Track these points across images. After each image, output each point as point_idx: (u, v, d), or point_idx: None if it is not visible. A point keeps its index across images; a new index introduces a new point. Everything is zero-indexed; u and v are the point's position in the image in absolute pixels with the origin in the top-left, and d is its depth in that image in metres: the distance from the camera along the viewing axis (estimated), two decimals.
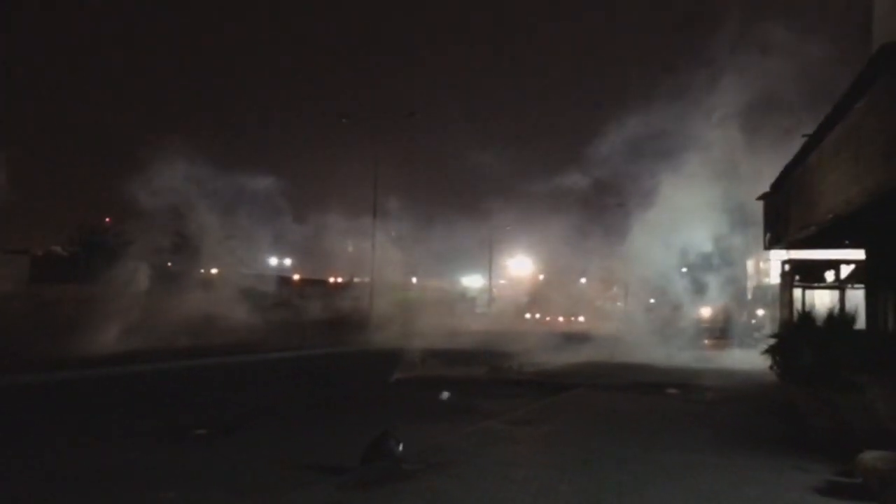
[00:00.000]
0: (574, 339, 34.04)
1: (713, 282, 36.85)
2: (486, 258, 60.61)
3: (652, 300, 53.33)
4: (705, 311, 44.51)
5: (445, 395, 16.09)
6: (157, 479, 8.49)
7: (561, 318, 54.79)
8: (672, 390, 17.36)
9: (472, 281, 64.79)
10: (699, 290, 37.71)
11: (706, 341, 35.92)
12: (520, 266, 64.27)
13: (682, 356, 27.42)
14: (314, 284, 51.15)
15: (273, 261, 50.46)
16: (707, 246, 35.68)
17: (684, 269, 40.97)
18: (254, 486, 8.20)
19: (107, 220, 39.89)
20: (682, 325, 37.07)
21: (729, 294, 38.63)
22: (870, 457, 8.69)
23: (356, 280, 50.16)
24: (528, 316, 61.61)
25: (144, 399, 16.22)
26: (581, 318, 54.43)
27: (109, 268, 34.91)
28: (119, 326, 28.24)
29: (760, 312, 38.57)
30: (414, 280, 51.55)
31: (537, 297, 60.60)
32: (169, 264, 35.91)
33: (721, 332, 37.46)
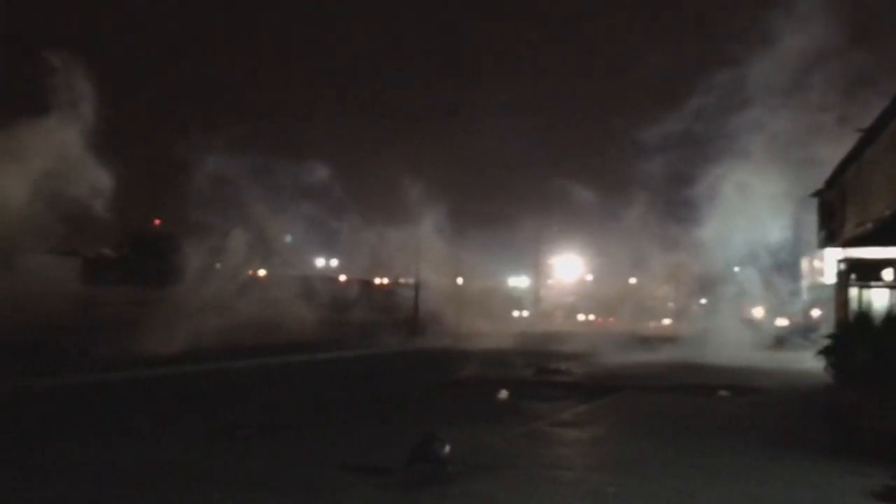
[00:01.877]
0: (647, 342, 33.34)
1: (769, 282, 36.15)
2: (532, 258, 60.28)
3: (703, 300, 52.58)
4: (758, 311, 43.76)
5: (504, 393, 16.07)
6: (203, 479, 8.55)
7: (611, 319, 54.03)
8: (723, 392, 17.05)
9: (519, 281, 64.50)
10: (756, 289, 37.08)
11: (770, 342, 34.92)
12: (568, 266, 63.82)
13: (737, 356, 26.84)
14: (361, 285, 51.35)
15: (320, 261, 50.76)
16: (766, 245, 34.93)
17: (737, 269, 40.35)
18: (299, 487, 8.20)
19: (156, 221, 40.63)
20: (743, 326, 36.50)
21: (785, 294, 37.85)
22: None
23: (401, 281, 50.26)
24: (581, 317, 61.18)
25: (195, 399, 16.42)
26: (666, 321, 53.17)
27: (159, 269, 35.50)
28: (171, 327, 28.63)
29: (816, 313, 37.67)
30: (460, 281, 51.49)
31: (590, 298, 60.11)
32: (218, 265, 36.36)
33: (799, 332, 36.10)
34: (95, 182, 29.09)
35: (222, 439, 11.00)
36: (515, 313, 57.54)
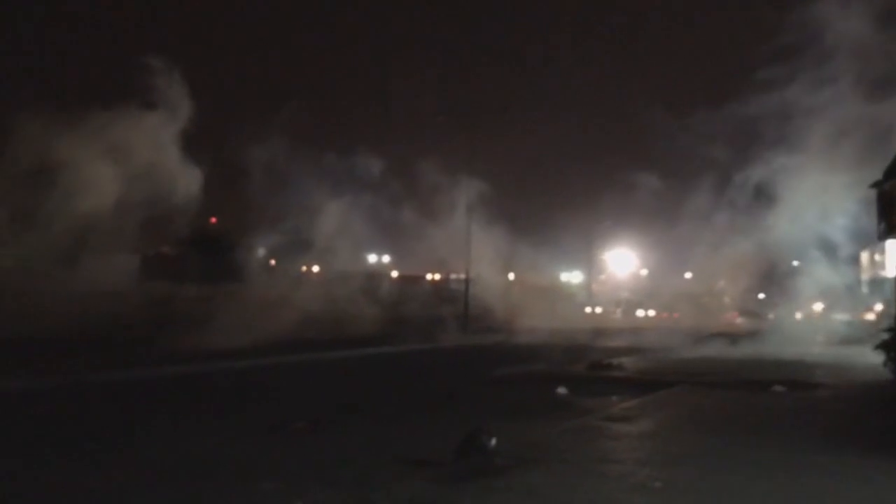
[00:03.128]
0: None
1: (829, 275, 35.43)
2: (585, 253, 59.92)
3: (761, 295, 51.56)
4: (817, 306, 42.88)
5: (555, 388, 16.06)
6: (256, 471, 8.75)
7: (676, 315, 53.13)
8: (778, 387, 16.74)
9: (572, 276, 64.14)
10: (815, 283, 36.41)
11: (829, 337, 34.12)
12: (621, 260, 63.31)
13: (794, 351, 26.31)
14: (414, 281, 51.67)
15: (372, 257, 51.15)
16: (826, 238, 34.23)
17: (795, 263, 39.63)
18: (350, 479, 8.36)
19: (212, 219, 41.36)
20: (802, 320, 35.88)
21: (845, 288, 37.03)
22: None
23: (453, 276, 50.37)
24: (641, 313, 60.51)
25: (251, 393, 16.77)
26: (739, 320, 51.87)
27: (216, 267, 36.27)
28: (230, 323, 29.21)
29: (878, 307, 36.75)
30: (511, 276, 51.42)
31: (645, 293, 59.53)
32: (272, 262, 37.00)
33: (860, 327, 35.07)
34: (180, 184, 30.06)
35: (277, 432, 11.23)
36: (571, 308, 57.25)
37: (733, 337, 33.34)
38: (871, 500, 7.70)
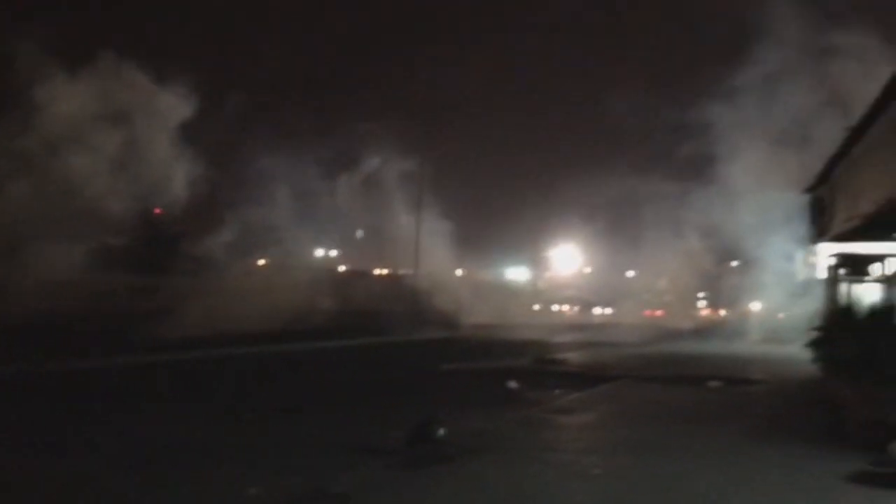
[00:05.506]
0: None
1: (765, 275, 36.61)
2: (530, 249, 60.45)
3: (701, 293, 52.73)
4: (755, 305, 44.15)
5: (513, 384, 16.39)
6: (211, 459, 8.92)
7: (659, 312, 53.29)
8: (714, 383, 17.42)
9: (518, 272, 64.66)
10: (752, 283, 37.53)
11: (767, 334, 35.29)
12: (565, 257, 63.88)
13: (732, 348, 27.23)
14: (361, 276, 51.63)
15: (319, 251, 50.85)
16: (763, 240, 35.37)
17: (734, 263, 40.78)
18: (302, 467, 8.59)
19: (156, 210, 40.80)
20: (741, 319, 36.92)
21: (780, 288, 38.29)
22: None
23: (401, 272, 50.47)
24: (598, 311, 61.01)
25: (204, 383, 16.87)
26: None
27: (161, 258, 35.97)
28: (178, 314, 29.01)
29: (810, 306, 38.00)
30: (459, 272, 51.72)
31: (590, 290, 60.22)
32: (220, 254, 36.75)
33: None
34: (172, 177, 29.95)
35: (231, 422, 11.39)
36: (520, 305, 57.72)
37: (683, 333, 34.30)
38: (795, 485, 8.24)
